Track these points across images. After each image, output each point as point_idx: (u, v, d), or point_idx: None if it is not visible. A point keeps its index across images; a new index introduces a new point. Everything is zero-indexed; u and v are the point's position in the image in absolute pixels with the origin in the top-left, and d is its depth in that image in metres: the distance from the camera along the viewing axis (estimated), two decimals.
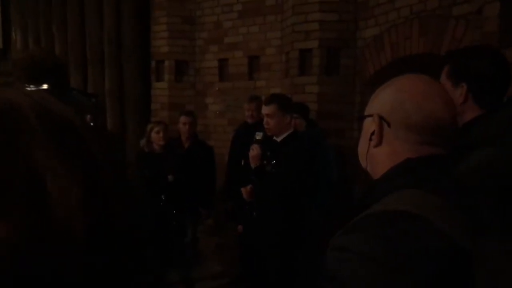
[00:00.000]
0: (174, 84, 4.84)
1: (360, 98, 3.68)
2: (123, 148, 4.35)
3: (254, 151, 2.56)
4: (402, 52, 3.29)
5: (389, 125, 0.83)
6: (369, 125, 0.87)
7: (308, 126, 3.18)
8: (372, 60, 3.59)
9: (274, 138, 2.64)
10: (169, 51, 4.78)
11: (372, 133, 0.86)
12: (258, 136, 2.65)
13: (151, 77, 4.95)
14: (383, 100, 0.86)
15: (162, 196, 3.36)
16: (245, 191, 2.73)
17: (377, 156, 0.86)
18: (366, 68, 3.65)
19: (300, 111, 3.17)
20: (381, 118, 0.84)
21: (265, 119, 2.59)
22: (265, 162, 2.55)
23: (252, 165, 2.58)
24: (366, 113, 0.90)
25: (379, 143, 0.85)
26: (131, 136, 4.83)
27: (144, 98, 4.96)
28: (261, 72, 4.42)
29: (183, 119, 3.67)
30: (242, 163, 3.27)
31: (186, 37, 4.79)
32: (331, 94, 3.76)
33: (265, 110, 2.60)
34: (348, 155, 3.47)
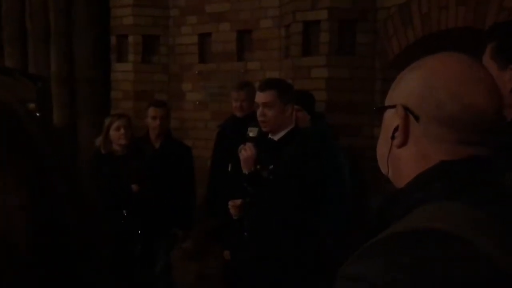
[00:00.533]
0: (141, 66, 4.82)
1: (381, 85, 3.70)
2: (73, 148, 4.33)
3: (248, 151, 2.56)
4: (435, 26, 3.31)
5: (417, 119, 0.84)
6: (391, 119, 0.88)
7: (314, 121, 3.18)
8: (397, 36, 3.61)
9: (270, 136, 2.64)
10: (134, 23, 4.76)
11: (395, 130, 0.86)
12: (252, 132, 2.65)
13: (110, 57, 4.93)
14: (409, 86, 0.86)
15: (124, 212, 3.35)
16: (233, 205, 2.72)
17: (402, 159, 0.87)
18: (390, 47, 3.66)
19: (303, 101, 3.17)
20: (406, 110, 0.85)
21: (260, 110, 2.59)
22: (258, 166, 2.56)
23: (245, 170, 2.58)
24: (387, 103, 0.90)
25: (404, 142, 0.86)
26: (83, 133, 4.81)
27: (102, 83, 4.95)
28: (254, 51, 4.43)
29: (152, 111, 3.66)
30: (229, 168, 3.27)
31: (157, 5, 4.78)
32: (343, 80, 3.77)
33: (261, 98, 2.60)
34: (365, 158, 3.48)
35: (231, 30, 4.49)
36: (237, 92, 3.60)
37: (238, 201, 2.70)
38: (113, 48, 4.90)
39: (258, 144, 2.61)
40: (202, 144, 4.50)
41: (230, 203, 2.72)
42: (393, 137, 0.87)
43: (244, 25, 4.43)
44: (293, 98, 2.71)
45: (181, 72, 4.81)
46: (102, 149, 3.48)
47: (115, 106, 4.85)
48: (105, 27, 4.91)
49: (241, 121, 3.48)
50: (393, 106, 0.87)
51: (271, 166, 2.56)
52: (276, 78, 3.50)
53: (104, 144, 3.47)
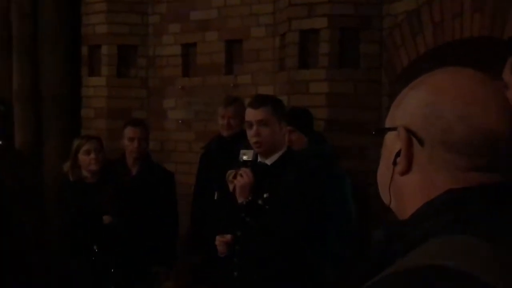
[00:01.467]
0: (116, 80, 4.84)
1: (388, 101, 3.72)
2: (37, 175, 4.31)
3: (245, 178, 2.53)
4: (449, 35, 3.34)
5: (421, 143, 0.84)
6: (392, 142, 0.88)
7: (313, 142, 3.20)
8: (405, 46, 3.64)
9: (261, 159, 2.64)
10: (108, 31, 4.79)
11: (398, 155, 0.86)
12: (246, 155, 2.63)
13: (81, 70, 4.95)
14: (412, 106, 0.86)
15: (95, 247, 3.32)
16: (222, 241, 2.67)
17: (405, 188, 0.87)
18: (397, 58, 3.70)
19: (299, 120, 3.19)
20: (409, 132, 0.85)
21: (254, 129, 2.59)
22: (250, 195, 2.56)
23: (240, 200, 2.56)
24: (387, 124, 0.91)
25: (407, 169, 0.86)
26: (50, 157, 4.79)
27: (71, 100, 4.95)
28: (244, 63, 4.46)
29: (130, 132, 3.66)
30: (216, 196, 3.26)
31: (134, 11, 4.82)
32: (346, 96, 3.80)
33: (255, 115, 2.61)
34: (369, 183, 3.48)
35: (219, 40, 4.52)
36: (225, 108, 3.61)
37: (228, 236, 2.64)
38: (85, 60, 4.92)
39: (253, 169, 2.59)
40: (185, 168, 4.49)
41: (218, 238, 2.66)
42: (395, 163, 0.87)
43: (234, 34, 4.47)
44: (285, 116, 2.73)
45: (162, 87, 4.83)
46: (70, 175, 3.46)
47: (87, 126, 4.84)
48: (75, 36, 4.93)
49: (228, 141, 3.49)
50: (395, 128, 0.87)
51: (266, 194, 2.55)
52: (266, 94, 3.51)
53: (72, 170, 3.45)
